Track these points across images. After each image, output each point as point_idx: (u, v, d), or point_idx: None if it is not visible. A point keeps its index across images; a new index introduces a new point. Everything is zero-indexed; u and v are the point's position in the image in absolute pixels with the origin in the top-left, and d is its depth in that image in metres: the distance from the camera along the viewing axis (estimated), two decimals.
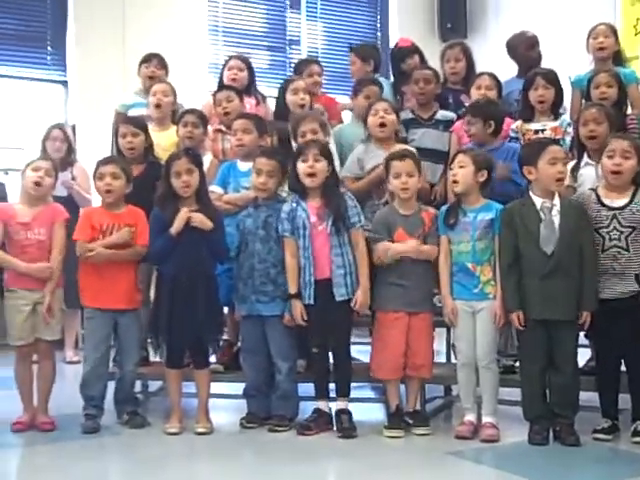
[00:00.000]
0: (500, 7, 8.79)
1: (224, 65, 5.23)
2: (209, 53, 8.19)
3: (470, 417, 3.83)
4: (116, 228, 3.96)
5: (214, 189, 4.26)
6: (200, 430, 3.85)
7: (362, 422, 3.91)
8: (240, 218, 4.07)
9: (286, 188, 4.08)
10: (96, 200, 4.72)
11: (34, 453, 3.71)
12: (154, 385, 4.68)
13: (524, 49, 5.29)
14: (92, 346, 3.96)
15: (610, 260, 3.69)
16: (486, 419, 3.77)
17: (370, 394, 4.65)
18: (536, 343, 3.69)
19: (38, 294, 3.93)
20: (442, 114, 4.76)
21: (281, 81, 5.04)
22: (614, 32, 5.01)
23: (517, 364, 3.99)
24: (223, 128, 4.68)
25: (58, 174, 4.24)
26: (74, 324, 5.83)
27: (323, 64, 5.40)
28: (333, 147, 4.39)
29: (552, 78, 4.47)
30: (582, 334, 3.88)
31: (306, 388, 4.04)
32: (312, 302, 3.86)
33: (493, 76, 4.81)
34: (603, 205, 3.73)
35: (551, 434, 3.69)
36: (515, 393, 3.87)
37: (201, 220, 3.83)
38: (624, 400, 3.77)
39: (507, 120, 4.50)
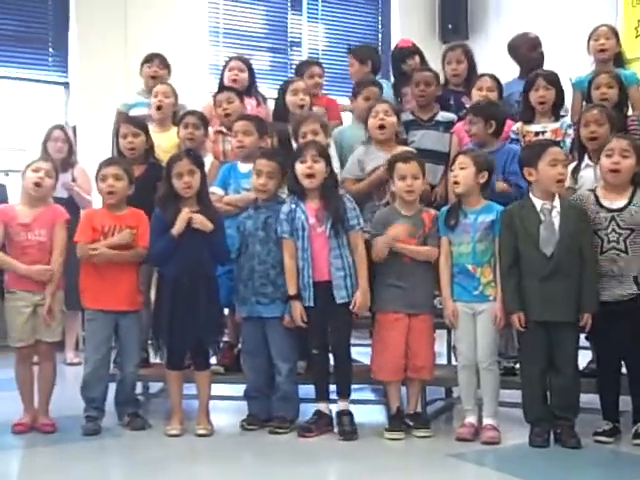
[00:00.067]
0: (501, 8, 8.79)
1: (224, 66, 5.23)
2: (210, 54, 8.19)
3: (471, 419, 3.82)
4: (117, 230, 3.96)
5: (215, 190, 4.25)
6: (201, 432, 3.85)
7: (363, 424, 3.91)
8: (240, 220, 4.07)
9: (286, 190, 4.08)
10: (97, 201, 4.72)
11: (35, 455, 3.71)
12: (155, 387, 4.69)
13: (526, 50, 5.29)
14: (93, 348, 3.96)
15: (609, 262, 3.69)
16: (487, 421, 3.77)
17: (370, 396, 4.65)
18: (536, 345, 3.69)
19: (38, 296, 3.93)
20: (442, 115, 4.76)
21: (282, 82, 5.04)
22: (615, 34, 5.01)
23: (518, 366, 3.99)
24: (224, 129, 4.67)
25: (59, 175, 4.23)
26: (74, 326, 5.84)
27: (324, 65, 5.39)
28: (333, 148, 4.40)
29: (553, 79, 4.47)
30: (583, 336, 3.87)
31: (307, 390, 4.04)
32: (312, 304, 3.86)
33: (494, 77, 4.81)
34: (602, 207, 3.72)
35: (552, 436, 3.68)
36: (516, 395, 3.86)
37: (202, 221, 3.82)
38: (625, 402, 3.77)
39: (508, 122, 4.50)
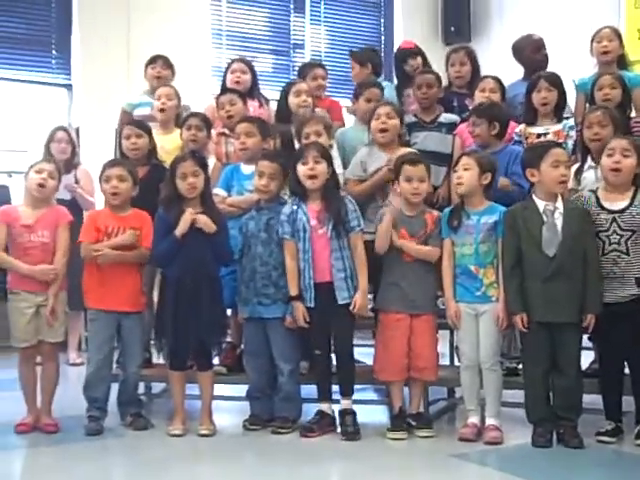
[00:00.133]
0: (504, 10, 8.80)
1: (227, 68, 5.24)
2: (212, 56, 8.20)
3: (473, 419, 3.82)
4: (121, 231, 3.96)
5: (218, 192, 4.26)
6: (203, 432, 3.86)
7: (365, 424, 3.91)
8: (243, 221, 4.08)
9: (288, 191, 4.09)
10: (99, 203, 4.73)
11: (37, 455, 3.71)
12: (157, 387, 4.69)
13: (530, 52, 5.30)
14: (95, 348, 3.97)
15: (610, 264, 3.69)
16: (489, 421, 3.77)
17: (373, 396, 4.65)
18: (539, 346, 3.69)
19: (41, 297, 3.94)
20: (445, 117, 4.77)
21: (285, 84, 5.05)
22: (618, 36, 5.02)
23: (520, 366, 3.99)
24: (226, 131, 4.68)
25: (61, 177, 4.24)
26: (77, 326, 5.84)
27: (327, 68, 5.40)
28: (336, 150, 4.40)
29: (555, 81, 4.48)
30: (585, 336, 3.87)
31: (309, 390, 4.04)
32: (312, 305, 3.86)
33: (497, 79, 4.81)
34: (603, 208, 3.73)
35: (554, 436, 3.68)
36: (518, 395, 3.87)
37: (205, 222, 3.83)
38: (628, 402, 3.77)
39: (511, 123, 4.50)
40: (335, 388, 3.95)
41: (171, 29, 7.73)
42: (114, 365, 4.09)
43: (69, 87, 7.75)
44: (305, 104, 4.65)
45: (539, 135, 4.46)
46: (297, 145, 4.32)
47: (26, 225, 3.96)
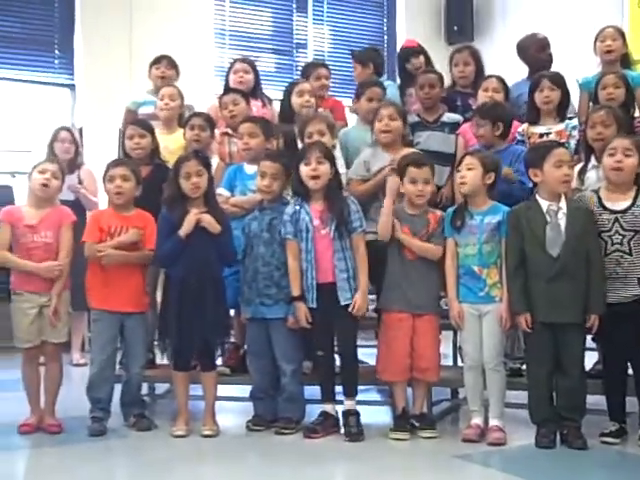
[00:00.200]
0: (507, 10, 8.79)
1: (229, 68, 5.24)
2: (215, 56, 8.21)
3: (477, 420, 3.82)
4: (124, 230, 3.96)
5: (221, 192, 4.26)
6: (207, 432, 3.85)
7: (368, 425, 3.91)
8: (246, 221, 4.08)
9: (290, 191, 4.08)
10: (103, 203, 4.73)
11: (41, 455, 3.72)
12: (161, 388, 4.69)
13: (535, 51, 5.29)
14: (98, 348, 3.97)
15: (613, 264, 3.68)
16: (493, 422, 3.76)
17: (376, 397, 4.65)
18: (543, 346, 3.68)
19: (44, 297, 3.94)
20: (448, 116, 4.76)
21: (287, 84, 5.05)
22: (622, 35, 5.02)
23: (524, 367, 3.99)
24: (229, 131, 4.68)
25: (65, 177, 4.24)
26: (81, 326, 5.85)
27: (330, 67, 5.40)
28: (339, 149, 4.39)
29: (558, 80, 4.47)
30: (589, 337, 3.87)
31: (312, 391, 4.04)
32: (314, 306, 3.86)
33: (500, 79, 4.81)
34: (605, 209, 3.72)
35: (558, 437, 3.67)
36: (522, 396, 3.86)
37: (210, 222, 3.82)
38: (631, 403, 3.76)
39: (515, 123, 4.49)
40: (338, 389, 3.94)
41: (174, 29, 7.74)
42: (117, 366, 4.09)
43: (72, 87, 7.77)
44: (308, 104, 4.65)
45: (541, 135, 4.45)
46: (300, 145, 4.32)
47: (29, 225, 3.97)
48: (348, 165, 4.42)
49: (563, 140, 4.34)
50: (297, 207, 3.92)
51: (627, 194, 3.73)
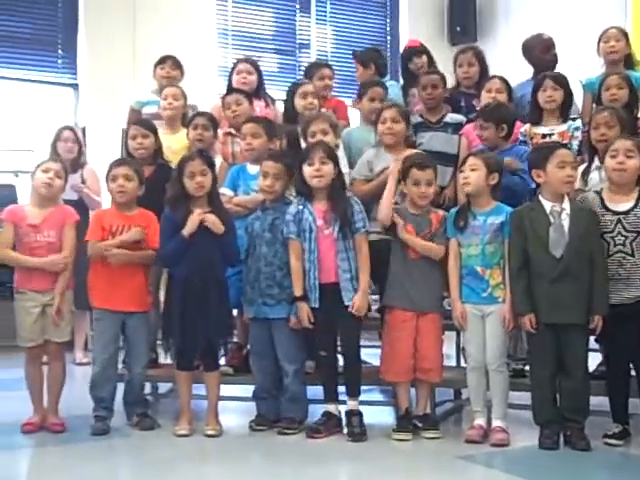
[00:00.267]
0: (510, 10, 8.79)
1: (232, 68, 5.24)
2: (218, 56, 8.21)
3: (480, 421, 3.81)
4: (126, 230, 3.96)
5: (224, 191, 4.26)
6: (209, 432, 3.85)
7: (371, 425, 3.90)
8: (249, 221, 4.08)
9: (293, 192, 4.08)
10: (106, 203, 4.74)
11: (44, 454, 3.72)
12: (164, 387, 4.69)
13: (540, 51, 5.30)
14: (100, 347, 3.97)
15: (615, 265, 3.68)
16: (496, 423, 3.76)
17: (379, 397, 4.65)
18: (546, 347, 3.68)
19: (47, 296, 3.94)
20: (451, 117, 4.76)
21: (291, 84, 5.05)
22: (625, 35, 5.02)
23: (527, 368, 3.98)
24: (232, 131, 4.68)
25: (68, 176, 4.24)
26: (83, 325, 5.85)
27: (332, 68, 5.40)
28: (342, 149, 4.39)
29: (561, 80, 4.48)
30: (592, 338, 3.86)
31: (315, 391, 4.04)
32: (317, 306, 3.86)
33: (503, 79, 4.80)
34: (607, 210, 3.72)
35: (561, 438, 3.67)
36: (525, 397, 3.85)
37: (214, 221, 3.82)
38: (634, 405, 3.76)
39: (518, 123, 4.50)
40: (341, 389, 3.94)
41: (177, 29, 7.75)
42: (120, 365, 4.09)
43: (75, 87, 7.77)
44: (311, 106, 4.65)
45: (544, 136, 4.45)
46: (303, 144, 4.32)
47: (32, 225, 3.97)
48: (351, 165, 4.42)
49: (565, 141, 4.34)
50: (300, 207, 3.92)
51: (630, 195, 3.72)
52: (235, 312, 4.24)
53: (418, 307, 3.86)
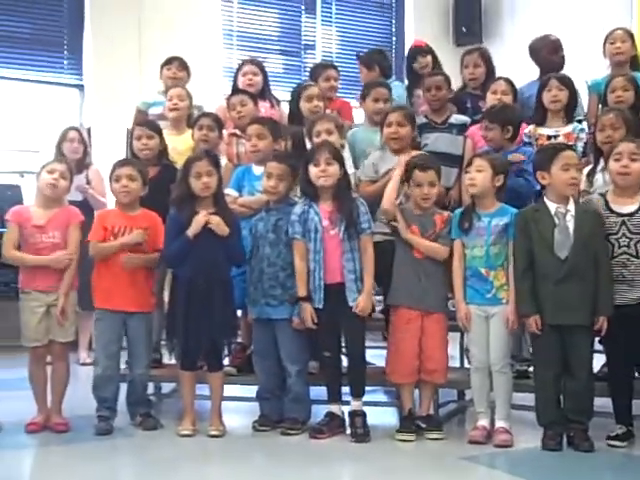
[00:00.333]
0: (515, 11, 8.77)
1: (238, 69, 5.25)
2: (224, 57, 8.21)
3: (483, 422, 3.81)
4: (128, 231, 3.96)
5: (229, 192, 4.26)
6: (213, 432, 3.86)
7: (375, 426, 3.90)
8: (253, 222, 4.08)
9: (298, 192, 4.08)
10: (111, 203, 4.74)
11: (47, 454, 3.73)
12: (167, 387, 4.69)
13: (547, 53, 5.29)
14: (101, 348, 3.98)
15: (620, 267, 3.67)
16: (499, 424, 3.76)
17: (383, 398, 4.65)
18: (550, 348, 3.67)
19: (52, 296, 3.95)
20: (456, 118, 4.75)
21: (296, 85, 5.05)
22: (631, 37, 5.02)
23: (531, 369, 3.98)
24: (237, 132, 4.68)
25: (73, 177, 4.25)
26: (88, 326, 5.82)
27: (338, 68, 5.40)
28: (347, 150, 4.39)
29: (566, 81, 4.48)
30: (597, 339, 3.86)
31: (319, 391, 4.04)
32: (321, 306, 3.86)
33: (508, 81, 4.80)
34: (612, 212, 3.71)
35: (565, 440, 3.66)
36: (529, 398, 3.85)
37: (218, 223, 3.82)
38: (638, 406, 3.76)
39: (523, 125, 4.49)
40: (345, 389, 3.94)
41: (182, 29, 7.75)
42: (123, 365, 4.09)
43: (81, 87, 7.78)
44: (317, 109, 4.65)
45: (549, 137, 4.45)
46: (309, 144, 4.32)
47: (37, 225, 3.98)
48: (355, 166, 4.42)
49: (571, 143, 4.33)
50: (306, 207, 3.92)
51: (634, 198, 3.72)
52: (239, 313, 4.25)
53: (423, 306, 3.86)
